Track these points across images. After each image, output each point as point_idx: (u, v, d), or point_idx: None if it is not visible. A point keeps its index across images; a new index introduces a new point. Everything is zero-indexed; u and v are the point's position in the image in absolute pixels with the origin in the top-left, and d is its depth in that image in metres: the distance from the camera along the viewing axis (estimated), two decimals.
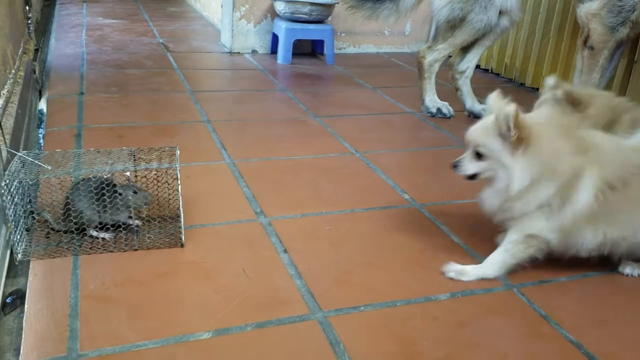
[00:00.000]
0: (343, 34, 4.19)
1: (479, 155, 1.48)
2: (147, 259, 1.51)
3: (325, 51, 3.88)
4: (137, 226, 1.60)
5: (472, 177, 1.52)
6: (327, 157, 2.27)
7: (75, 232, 1.56)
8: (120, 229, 1.59)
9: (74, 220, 1.53)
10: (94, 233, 1.56)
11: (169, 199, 1.71)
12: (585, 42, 2.45)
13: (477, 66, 3.61)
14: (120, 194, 1.54)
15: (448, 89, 3.14)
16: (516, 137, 1.38)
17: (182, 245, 1.57)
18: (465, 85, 2.89)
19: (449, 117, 2.86)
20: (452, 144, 2.52)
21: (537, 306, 1.43)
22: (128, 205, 1.56)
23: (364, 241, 1.68)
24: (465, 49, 2.82)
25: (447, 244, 1.69)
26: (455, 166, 1.53)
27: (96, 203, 1.53)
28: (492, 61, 3.84)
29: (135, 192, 1.56)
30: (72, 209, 1.52)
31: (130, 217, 1.59)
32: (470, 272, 1.53)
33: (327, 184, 2.03)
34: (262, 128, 2.55)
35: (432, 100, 2.87)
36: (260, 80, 3.34)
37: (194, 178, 1.99)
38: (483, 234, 1.74)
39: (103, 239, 1.56)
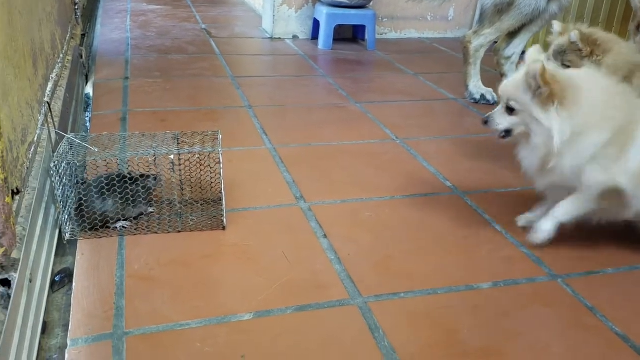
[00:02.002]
0: (385, 19, 4.15)
1: (510, 110, 1.46)
2: (190, 241, 1.53)
3: (366, 36, 3.85)
4: (151, 212, 1.62)
5: (506, 135, 1.50)
6: (368, 143, 2.26)
7: (100, 226, 1.56)
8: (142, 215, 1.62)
9: (96, 220, 1.54)
10: (113, 225, 1.56)
11: (211, 182, 1.73)
12: (638, 27, 2.36)
13: (524, 52, 3.53)
14: (143, 186, 1.56)
15: (492, 75, 3.08)
16: (548, 93, 1.36)
17: (223, 228, 1.59)
18: (510, 71, 2.82)
19: (493, 104, 2.80)
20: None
21: (582, 297, 1.40)
22: (149, 194, 1.58)
23: (404, 228, 1.67)
24: (512, 34, 2.75)
25: (489, 233, 1.66)
26: (486, 122, 1.51)
27: (118, 200, 1.53)
28: None
29: (155, 179, 1.59)
30: (91, 209, 1.52)
31: (150, 205, 1.63)
32: (541, 226, 1.54)
33: (367, 170, 2.02)
34: (302, 113, 2.55)
35: (477, 87, 2.82)
36: (301, 66, 3.33)
37: (235, 162, 2.01)
38: None
39: (122, 227, 1.56)
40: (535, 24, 2.67)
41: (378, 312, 1.30)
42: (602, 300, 1.39)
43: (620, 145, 1.40)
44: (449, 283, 1.42)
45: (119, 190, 1.52)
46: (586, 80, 1.44)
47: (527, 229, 1.63)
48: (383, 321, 1.27)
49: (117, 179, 1.53)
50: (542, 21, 2.67)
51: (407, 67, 3.43)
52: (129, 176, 1.55)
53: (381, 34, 4.16)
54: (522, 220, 1.69)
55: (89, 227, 1.53)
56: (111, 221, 1.55)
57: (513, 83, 1.46)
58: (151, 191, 1.60)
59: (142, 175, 1.59)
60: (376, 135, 2.34)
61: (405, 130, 2.41)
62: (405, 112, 2.65)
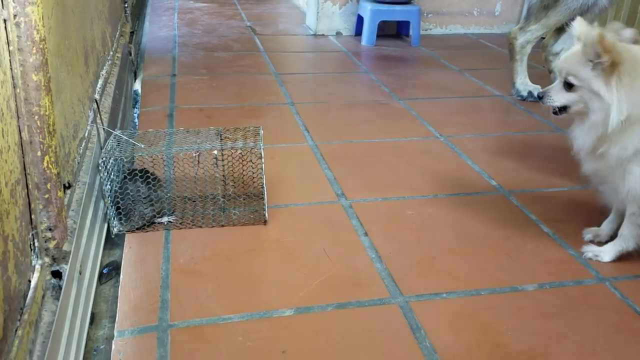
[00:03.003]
0: (430, 15, 4.10)
1: (569, 86, 1.39)
2: (233, 236, 1.56)
3: (410, 32, 3.82)
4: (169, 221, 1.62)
5: (562, 110, 1.44)
6: (410, 141, 2.24)
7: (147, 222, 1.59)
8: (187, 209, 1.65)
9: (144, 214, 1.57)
10: (159, 220, 1.60)
11: (253, 177, 1.75)
12: None
13: None
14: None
15: (540, 72, 3.01)
16: (609, 62, 1.29)
17: (265, 222, 1.61)
18: None
19: None
20: (543, 129, 2.41)
21: (631, 301, 1.36)
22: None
23: (447, 227, 1.65)
24: (560, 30, 2.67)
25: (535, 234, 1.63)
26: (540, 97, 1.45)
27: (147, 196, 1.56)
28: None
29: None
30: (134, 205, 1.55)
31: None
32: (609, 252, 1.49)
33: (410, 168, 2.01)
34: (344, 110, 2.55)
35: (524, 83, 2.76)
36: (343, 63, 3.33)
37: (277, 159, 2.03)
38: (575, 224, 1.67)
39: (169, 222, 1.59)
40: (584, 18, 2.58)
41: (419, 312, 1.29)
42: None
43: None
44: (493, 284, 1.40)
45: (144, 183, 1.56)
46: None
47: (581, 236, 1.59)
48: (424, 321, 1.27)
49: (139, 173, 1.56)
50: (592, 15, 2.58)
51: (452, 63, 3.39)
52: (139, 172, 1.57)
53: (426, 30, 4.12)
54: (589, 234, 1.60)
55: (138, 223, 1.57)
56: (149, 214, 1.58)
57: (571, 56, 1.39)
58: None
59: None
60: (419, 133, 2.32)
61: (449, 128, 2.38)
62: (450, 109, 2.61)
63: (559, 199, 1.83)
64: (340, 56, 3.47)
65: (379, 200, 1.78)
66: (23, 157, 0.93)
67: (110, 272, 1.50)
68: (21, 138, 0.92)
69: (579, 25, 1.41)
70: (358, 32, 3.94)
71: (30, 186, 0.94)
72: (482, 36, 4.13)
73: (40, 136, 0.95)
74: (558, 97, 1.42)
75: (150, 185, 1.56)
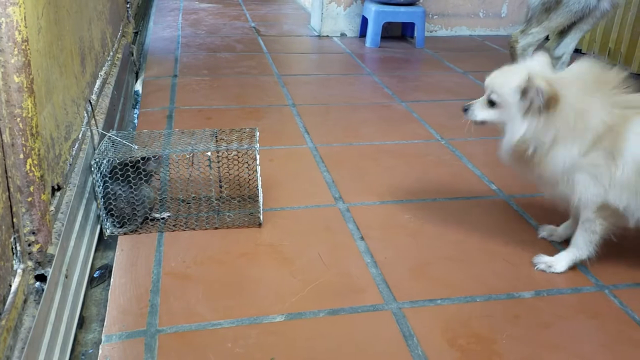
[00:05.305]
0: (435, 16, 4.07)
1: (492, 103, 1.41)
2: (226, 239, 1.54)
3: (415, 34, 3.79)
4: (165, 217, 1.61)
5: (480, 123, 1.46)
6: (411, 144, 2.22)
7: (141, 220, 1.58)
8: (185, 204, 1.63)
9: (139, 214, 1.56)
10: (157, 215, 1.60)
11: (249, 180, 1.73)
12: None
13: (579, 50, 3.41)
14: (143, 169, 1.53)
15: None
16: (542, 105, 1.29)
17: (259, 225, 1.59)
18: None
19: None
20: None
21: (630, 310, 1.32)
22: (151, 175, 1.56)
23: (444, 232, 1.62)
24: (562, 33, 2.64)
25: (534, 239, 1.60)
26: (465, 110, 1.48)
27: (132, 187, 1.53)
28: (595, 45, 3.59)
29: (156, 160, 1.54)
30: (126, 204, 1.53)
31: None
32: (561, 261, 1.45)
33: (409, 172, 1.98)
34: (345, 112, 2.53)
35: None
36: (346, 64, 3.31)
37: (276, 161, 2.01)
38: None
39: (165, 217, 1.60)
40: (586, 22, 2.54)
41: (412, 319, 1.27)
42: None
43: (608, 151, 1.30)
44: (489, 291, 1.38)
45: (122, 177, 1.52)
46: (574, 86, 1.33)
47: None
48: (417, 328, 1.24)
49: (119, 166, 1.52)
50: (594, 19, 2.54)
51: (457, 65, 3.36)
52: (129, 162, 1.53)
53: (431, 32, 4.08)
54: (544, 231, 1.61)
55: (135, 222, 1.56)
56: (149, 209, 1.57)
57: (505, 80, 1.39)
58: (152, 174, 1.57)
59: (142, 158, 1.54)
60: (420, 136, 2.30)
61: (450, 131, 2.35)
62: (452, 112, 2.58)
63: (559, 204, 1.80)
64: (344, 58, 3.44)
65: (377, 204, 1.76)
66: (4, 160, 0.91)
67: (102, 275, 1.48)
68: (2, 140, 0.90)
69: (540, 61, 1.42)
70: (362, 33, 3.92)
71: (12, 189, 0.93)
72: (488, 38, 4.09)
73: (23, 138, 0.93)
74: (480, 112, 1.45)
75: (141, 182, 1.54)
